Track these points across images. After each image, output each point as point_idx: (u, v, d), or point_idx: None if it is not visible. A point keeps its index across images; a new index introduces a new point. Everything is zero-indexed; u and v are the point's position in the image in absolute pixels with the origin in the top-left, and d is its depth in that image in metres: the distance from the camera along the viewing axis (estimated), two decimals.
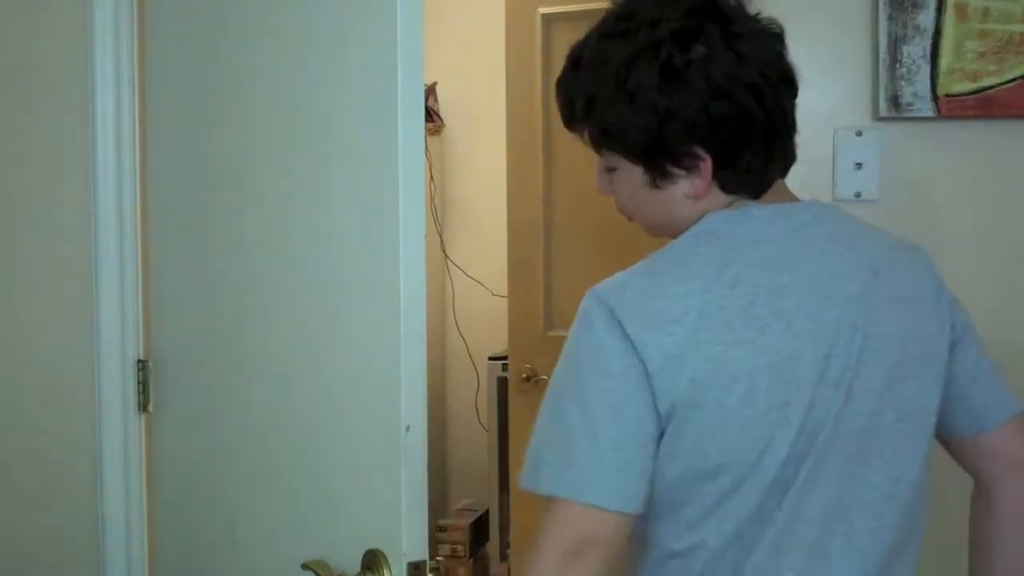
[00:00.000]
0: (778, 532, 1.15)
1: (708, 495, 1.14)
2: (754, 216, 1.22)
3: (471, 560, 3.55)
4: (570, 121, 1.29)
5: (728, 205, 1.22)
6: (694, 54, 1.16)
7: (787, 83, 1.26)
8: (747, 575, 1.15)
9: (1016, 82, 1.79)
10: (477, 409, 3.83)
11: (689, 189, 1.22)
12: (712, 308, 1.13)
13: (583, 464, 1.11)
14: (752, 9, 1.36)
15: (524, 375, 3.03)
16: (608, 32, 1.21)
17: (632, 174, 1.25)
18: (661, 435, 1.14)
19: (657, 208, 1.27)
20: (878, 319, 1.19)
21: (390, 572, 1.24)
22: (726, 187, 1.22)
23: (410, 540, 1.25)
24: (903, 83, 1.80)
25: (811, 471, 1.15)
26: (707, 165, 1.20)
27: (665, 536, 1.18)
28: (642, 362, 1.11)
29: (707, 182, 1.21)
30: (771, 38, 1.24)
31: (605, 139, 1.24)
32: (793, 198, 1.29)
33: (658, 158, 1.21)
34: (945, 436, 1.36)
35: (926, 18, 1.79)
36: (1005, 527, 1.36)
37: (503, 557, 3.45)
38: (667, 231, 1.27)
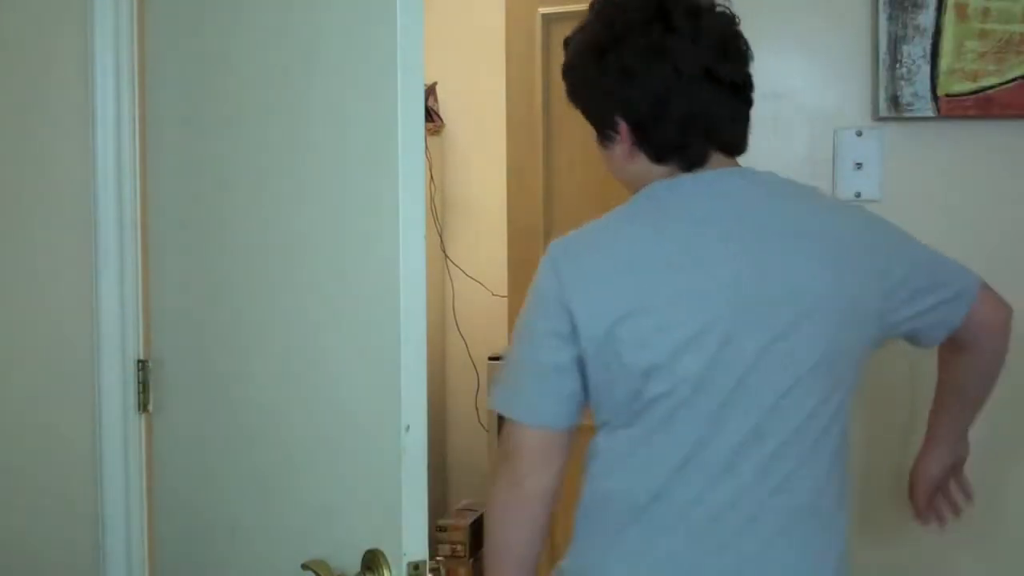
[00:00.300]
0: (689, 447, 1.36)
1: (633, 413, 1.38)
2: (684, 183, 1.42)
3: (471, 560, 3.55)
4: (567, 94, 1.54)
5: (669, 174, 1.43)
6: (623, 45, 1.40)
7: (711, 78, 1.41)
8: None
9: (1016, 82, 1.79)
10: (477, 409, 3.83)
11: (621, 152, 1.45)
12: (639, 258, 1.37)
13: (515, 388, 1.44)
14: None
15: None
16: (582, 26, 1.49)
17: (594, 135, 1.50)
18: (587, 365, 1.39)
19: (611, 165, 1.50)
20: (790, 269, 1.37)
21: (390, 572, 1.24)
22: (655, 158, 1.43)
23: (410, 540, 1.25)
24: (903, 83, 1.80)
25: (722, 392, 1.35)
26: (624, 132, 1.43)
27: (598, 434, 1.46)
28: (570, 305, 1.35)
29: (628, 146, 1.44)
30: (710, 35, 1.43)
31: (572, 102, 1.52)
32: (731, 167, 1.46)
33: (595, 122, 1.48)
34: (927, 346, 1.54)
35: (926, 18, 1.79)
36: (978, 350, 1.56)
37: None
38: (629, 189, 1.48)
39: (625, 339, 1.35)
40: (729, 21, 1.47)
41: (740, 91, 1.47)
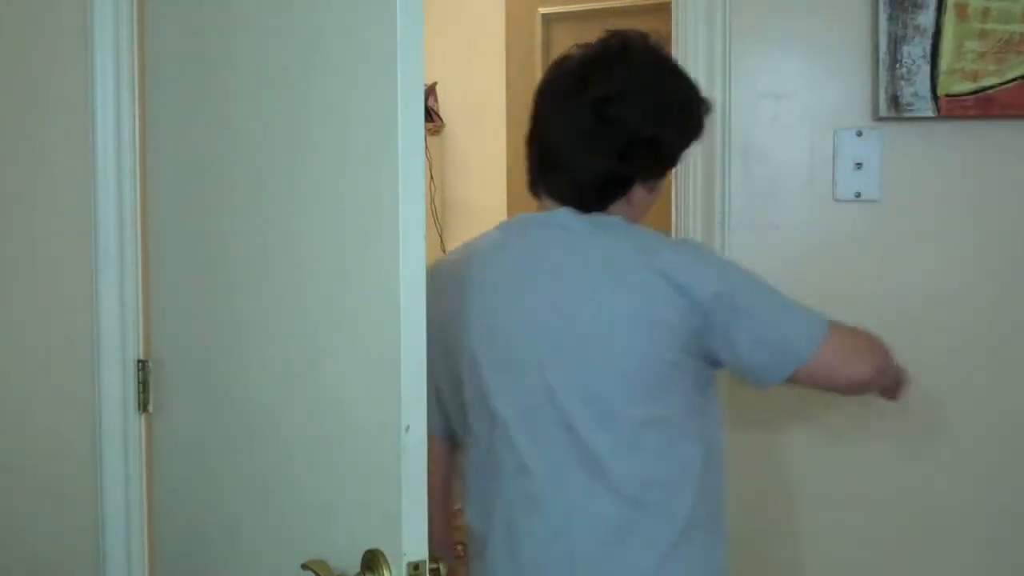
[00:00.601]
0: (483, 453, 1.56)
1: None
2: (521, 218, 1.63)
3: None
4: None
5: (539, 208, 1.62)
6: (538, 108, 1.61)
7: (584, 135, 1.53)
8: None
9: (1016, 82, 1.79)
10: None
11: None
12: (467, 277, 1.55)
13: None
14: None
15: None
16: None
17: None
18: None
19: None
20: (573, 300, 1.51)
21: (390, 572, 1.24)
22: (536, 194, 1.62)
23: (410, 540, 1.25)
24: (903, 83, 1.80)
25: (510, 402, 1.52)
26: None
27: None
28: (432, 319, 1.34)
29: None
30: (582, 108, 1.54)
31: None
32: (587, 217, 1.56)
33: None
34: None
35: (926, 18, 1.79)
36: None
37: None
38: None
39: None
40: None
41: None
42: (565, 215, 1.55)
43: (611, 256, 1.52)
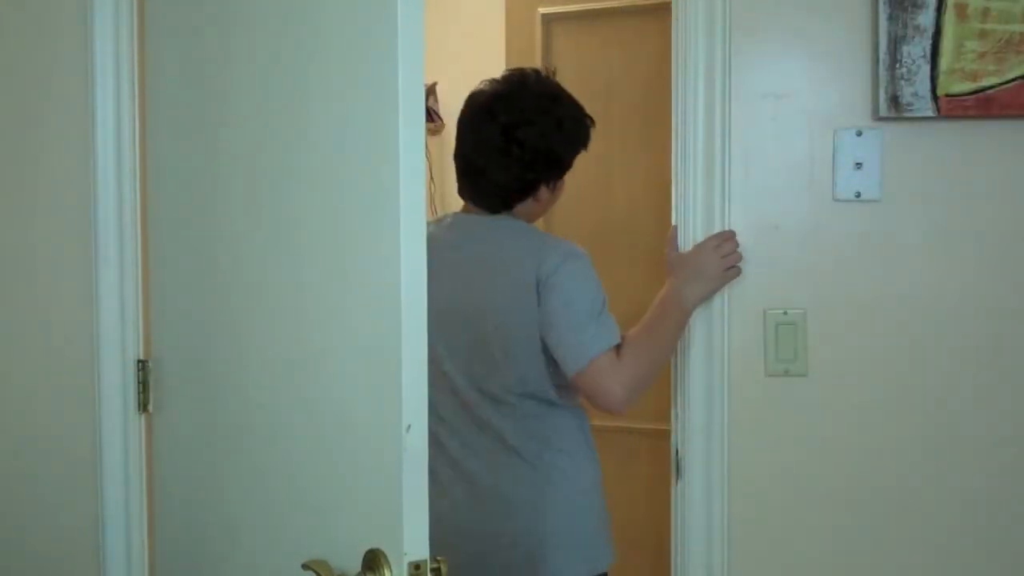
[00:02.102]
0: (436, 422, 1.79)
1: None
2: (452, 216, 2.09)
3: None
4: None
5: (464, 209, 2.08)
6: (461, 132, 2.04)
7: (517, 144, 1.95)
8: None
9: (1016, 82, 1.79)
10: None
11: None
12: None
13: None
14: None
15: None
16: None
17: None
18: None
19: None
20: (490, 287, 1.94)
21: (390, 572, 1.24)
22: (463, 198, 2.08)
23: (411, 540, 1.25)
24: (903, 83, 1.80)
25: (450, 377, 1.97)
26: None
27: None
28: None
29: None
30: (495, 131, 1.97)
31: None
32: (480, 214, 2.04)
33: None
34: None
35: (926, 18, 1.79)
36: None
37: None
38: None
39: None
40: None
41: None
42: (476, 218, 2.02)
43: (504, 255, 1.95)
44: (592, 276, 1.94)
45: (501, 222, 2.01)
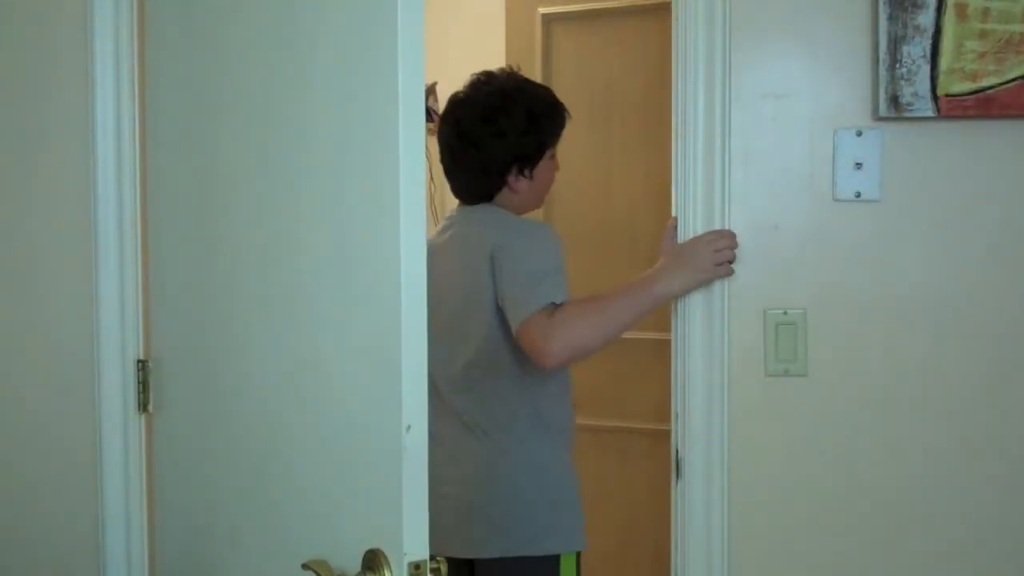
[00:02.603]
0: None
1: None
2: (450, 212, 2.25)
3: None
4: None
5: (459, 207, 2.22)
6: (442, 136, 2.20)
7: (472, 145, 2.10)
8: None
9: (1016, 82, 1.79)
10: None
11: None
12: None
13: None
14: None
15: None
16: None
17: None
18: None
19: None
20: (455, 268, 2.08)
21: (390, 572, 1.24)
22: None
23: (411, 540, 1.25)
24: (903, 83, 1.80)
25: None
26: None
27: None
28: None
29: None
30: (478, 111, 2.12)
31: None
32: (463, 208, 2.21)
33: None
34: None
35: (926, 18, 1.79)
36: None
37: None
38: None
39: None
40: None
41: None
42: (459, 212, 2.19)
43: (471, 240, 2.08)
44: (546, 244, 2.02)
45: (476, 211, 2.14)
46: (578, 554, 2.10)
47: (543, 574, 2.06)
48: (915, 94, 1.80)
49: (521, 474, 2.08)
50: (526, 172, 2.13)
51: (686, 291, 1.87)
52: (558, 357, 1.91)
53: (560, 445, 2.13)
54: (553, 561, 2.06)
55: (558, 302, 1.92)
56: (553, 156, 2.19)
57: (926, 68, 1.79)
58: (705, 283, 1.86)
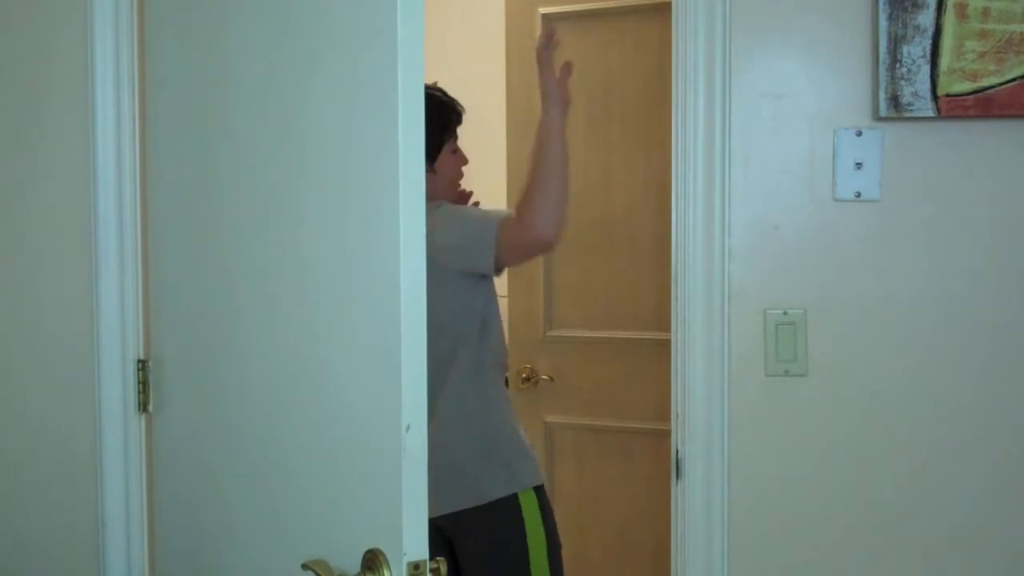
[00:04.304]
0: None
1: None
2: None
3: None
4: None
5: None
6: None
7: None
8: None
9: (1016, 82, 1.79)
10: None
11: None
12: None
13: None
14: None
15: (524, 375, 3.03)
16: None
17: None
18: None
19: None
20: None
21: (390, 572, 1.24)
22: None
23: (410, 540, 1.25)
24: (903, 83, 1.80)
25: None
26: None
27: None
28: None
29: None
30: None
31: None
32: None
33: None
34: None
35: (926, 18, 1.79)
36: None
37: None
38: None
39: None
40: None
41: None
42: None
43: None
44: (463, 209, 2.30)
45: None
46: (537, 488, 2.29)
47: (505, 515, 2.24)
48: (915, 94, 1.80)
49: (450, 429, 2.22)
50: (429, 166, 2.24)
51: (562, 111, 2.18)
52: (553, 226, 2.13)
53: (490, 384, 2.31)
54: (512, 501, 2.25)
55: (503, 217, 2.18)
56: (456, 150, 2.38)
57: (926, 68, 1.79)
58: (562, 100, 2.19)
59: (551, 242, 2.16)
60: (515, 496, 2.26)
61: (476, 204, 2.46)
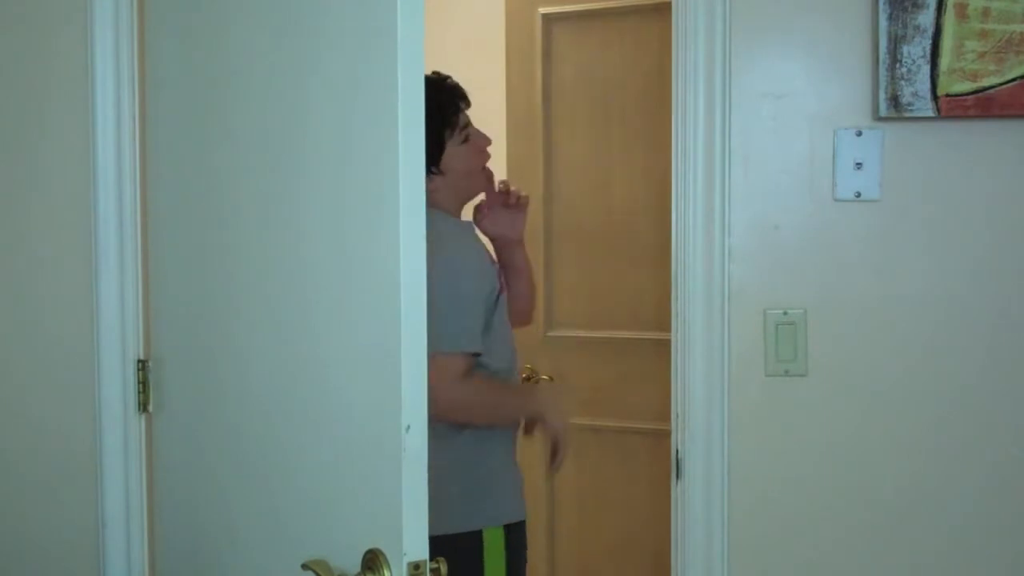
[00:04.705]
0: None
1: None
2: None
3: None
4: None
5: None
6: None
7: None
8: None
9: (1016, 82, 1.79)
10: None
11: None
12: None
13: None
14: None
15: (524, 375, 3.03)
16: None
17: None
18: None
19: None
20: None
21: (390, 572, 1.24)
22: None
23: (410, 540, 1.25)
24: (903, 83, 1.80)
25: None
26: None
27: None
28: None
29: None
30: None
31: None
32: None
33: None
34: None
35: (926, 18, 1.79)
36: None
37: None
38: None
39: None
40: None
41: None
42: None
43: None
44: (459, 272, 2.07)
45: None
46: (508, 527, 2.14)
47: (464, 549, 2.07)
48: (915, 94, 1.80)
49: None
50: (433, 169, 2.10)
51: (551, 425, 2.18)
52: (441, 407, 1.84)
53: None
54: (475, 536, 2.10)
55: (468, 351, 2.03)
56: (467, 139, 2.16)
57: (926, 68, 1.79)
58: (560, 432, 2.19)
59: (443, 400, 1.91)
60: (479, 533, 2.11)
61: (504, 184, 2.33)
